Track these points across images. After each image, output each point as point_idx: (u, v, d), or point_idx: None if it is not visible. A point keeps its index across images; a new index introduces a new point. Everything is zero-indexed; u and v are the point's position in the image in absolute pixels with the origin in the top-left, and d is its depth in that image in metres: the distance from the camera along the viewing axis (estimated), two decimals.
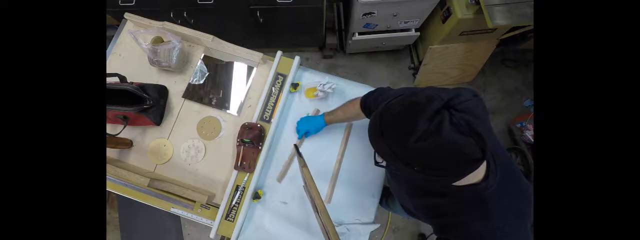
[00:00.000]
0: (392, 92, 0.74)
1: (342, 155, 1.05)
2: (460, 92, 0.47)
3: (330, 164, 1.05)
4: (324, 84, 1.04)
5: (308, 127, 1.00)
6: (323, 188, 1.03)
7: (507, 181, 0.58)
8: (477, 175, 0.56)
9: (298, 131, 1.04)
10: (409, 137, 0.45)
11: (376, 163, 0.59)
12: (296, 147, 0.89)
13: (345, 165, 1.05)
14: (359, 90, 1.12)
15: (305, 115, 1.07)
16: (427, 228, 1.84)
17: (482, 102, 0.49)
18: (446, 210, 0.61)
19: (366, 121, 0.62)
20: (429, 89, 0.51)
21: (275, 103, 1.06)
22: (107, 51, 1.18)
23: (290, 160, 1.05)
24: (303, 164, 0.78)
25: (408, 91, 0.68)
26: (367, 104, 0.78)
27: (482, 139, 0.44)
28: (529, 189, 0.62)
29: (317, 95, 1.06)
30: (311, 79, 1.12)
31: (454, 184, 0.57)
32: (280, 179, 1.04)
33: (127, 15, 1.14)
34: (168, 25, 1.08)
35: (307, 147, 1.07)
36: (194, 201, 1.04)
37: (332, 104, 1.10)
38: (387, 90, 0.77)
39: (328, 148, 1.06)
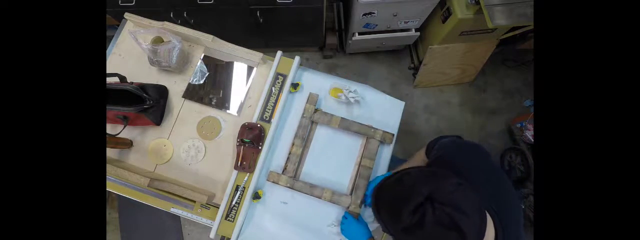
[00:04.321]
0: (444, 142, 0.78)
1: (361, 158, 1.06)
2: (441, 184, 0.48)
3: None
4: (351, 91, 1.04)
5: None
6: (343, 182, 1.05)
7: None
8: None
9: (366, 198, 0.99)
10: (396, 226, 0.50)
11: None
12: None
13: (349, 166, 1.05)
14: (360, 89, 1.12)
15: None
16: None
17: (468, 190, 0.50)
18: None
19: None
20: (416, 172, 0.53)
21: (275, 103, 1.06)
22: (107, 51, 1.18)
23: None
24: None
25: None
26: (429, 151, 0.83)
27: (462, 233, 0.46)
28: None
29: (340, 97, 1.06)
30: (311, 78, 1.12)
31: None
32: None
33: (127, 15, 1.14)
34: (168, 25, 1.08)
35: (319, 138, 1.08)
36: (194, 201, 1.04)
37: (355, 111, 1.09)
38: (441, 140, 0.81)
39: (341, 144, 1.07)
